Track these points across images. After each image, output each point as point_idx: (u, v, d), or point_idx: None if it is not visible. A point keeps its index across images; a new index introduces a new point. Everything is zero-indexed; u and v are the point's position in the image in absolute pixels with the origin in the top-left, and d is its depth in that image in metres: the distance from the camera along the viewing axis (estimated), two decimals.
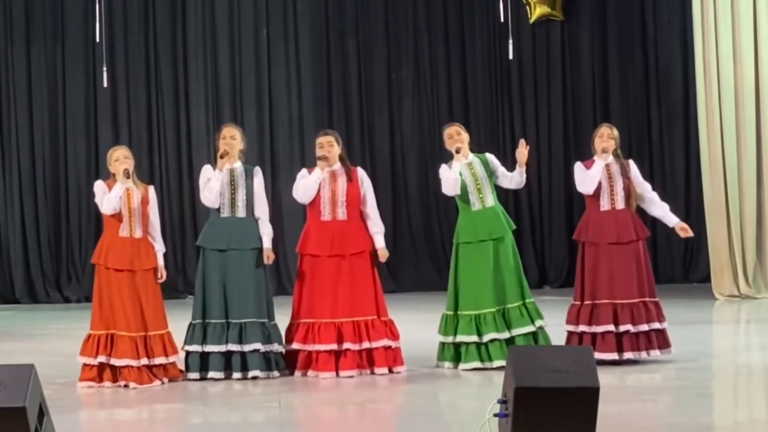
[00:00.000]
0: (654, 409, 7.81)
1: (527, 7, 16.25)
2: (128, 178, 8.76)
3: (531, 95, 16.54)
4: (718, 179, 14.17)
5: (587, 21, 16.50)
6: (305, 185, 9.11)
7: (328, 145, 9.18)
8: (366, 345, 9.01)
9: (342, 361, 8.99)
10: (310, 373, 9.00)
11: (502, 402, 6.07)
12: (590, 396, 5.94)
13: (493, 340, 9.13)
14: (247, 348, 8.93)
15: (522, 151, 9.29)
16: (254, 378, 8.89)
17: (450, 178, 9.26)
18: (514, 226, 9.49)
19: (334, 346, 8.96)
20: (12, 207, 15.81)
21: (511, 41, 13.42)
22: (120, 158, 8.82)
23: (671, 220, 9.55)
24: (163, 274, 8.96)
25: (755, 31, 14.17)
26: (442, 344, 9.32)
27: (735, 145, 14.16)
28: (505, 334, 9.15)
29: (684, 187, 16.30)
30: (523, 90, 16.55)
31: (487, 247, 9.27)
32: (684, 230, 9.53)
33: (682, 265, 16.35)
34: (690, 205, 16.15)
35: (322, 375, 8.92)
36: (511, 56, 13.57)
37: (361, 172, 9.30)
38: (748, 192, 14.16)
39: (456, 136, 9.42)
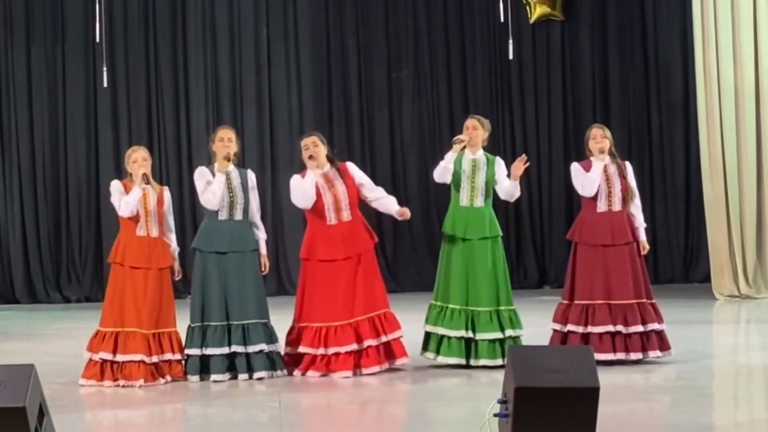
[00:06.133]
0: (654, 409, 7.82)
1: (527, 7, 16.26)
2: (147, 183, 8.87)
3: (531, 95, 16.54)
4: (718, 179, 14.17)
5: (587, 21, 16.51)
6: (303, 191, 9.10)
7: (313, 146, 9.18)
8: (384, 338, 9.05)
9: (364, 359, 8.99)
10: (311, 372, 8.99)
11: (502, 402, 6.07)
12: (590, 396, 5.94)
13: (452, 337, 9.18)
14: (252, 349, 8.94)
15: (518, 165, 9.26)
16: (260, 379, 8.91)
17: (440, 166, 9.33)
18: (500, 233, 9.41)
19: (354, 347, 8.96)
20: (12, 207, 15.80)
21: (511, 41, 13.43)
22: (138, 160, 8.93)
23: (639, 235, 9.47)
24: (179, 271, 9.10)
25: (755, 31, 14.17)
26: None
27: (735, 145, 14.17)
28: (465, 334, 9.17)
29: (684, 187, 16.31)
30: (523, 90, 16.55)
31: (462, 244, 9.29)
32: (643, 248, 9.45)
33: (682, 265, 16.36)
34: (690, 205, 16.18)
35: (340, 374, 8.90)
36: (511, 56, 13.58)
37: (350, 167, 9.32)
38: (748, 192, 14.16)
39: (470, 129, 9.42)
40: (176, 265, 9.10)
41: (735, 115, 14.15)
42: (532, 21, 16.31)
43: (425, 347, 9.36)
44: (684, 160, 16.34)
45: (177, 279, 9.11)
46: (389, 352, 9.11)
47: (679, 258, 16.36)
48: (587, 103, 16.47)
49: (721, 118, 14.17)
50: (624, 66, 16.43)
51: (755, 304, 13.64)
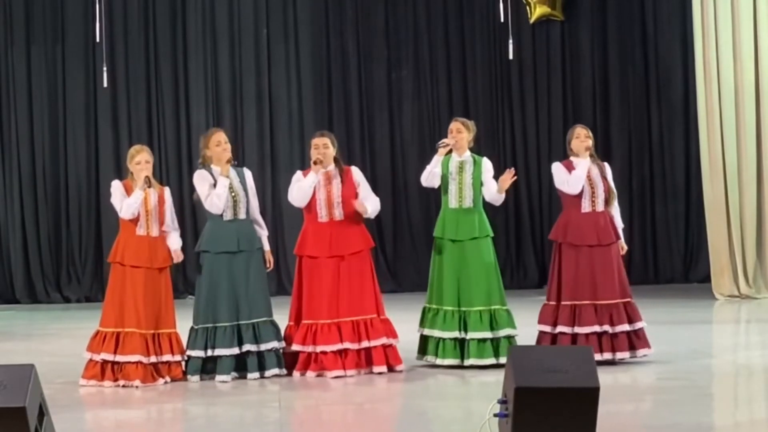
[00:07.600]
0: (654, 409, 7.82)
1: (527, 7, 16.25)
2: (149, 186, 8.87)
3: (531, 95, 16.54)
4: (718, 179, 14.16)
5: (587, 21, 16.50)
6: (299, 189, 9.14)
7: (324, 147, 9.18)
8: (365, 344, 9.04)
9: (343, 360, 9.00)
10: (309, 373, 8.99)
11: (502, 402, 6.08)
12: (590, 396, 5.94)
13: (446, 339, 9.18)
14: (264, 347, 8.97)
15: (506, 178, 9.26)
16: (271, 377, 8.91)
17: (427, 170, 9.36)
18: (490, 233, 9.41)
19: (339, 346, 8.97)
20: (12, 207, 15.80)
21: (511, 41, 13.41)
22: (142, 162, 8.93)
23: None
24: (179, 256, 9.05)
25: (755, 31, 14.16)
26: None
27: (735, 145, 14.16)
28: (458, 335, 9.16)
29: (684, 187, 16.30)
30: (523, 90, 16.54)
31: (452, 246, 9.29)
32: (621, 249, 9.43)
33: (682, 265, 16.35)
34: (690, 205, 16.17)
35: (330, 374, 8.91)
36: (511, 56, 13.56)
37: (354, 171, 9.33)
38: (748, 192, 14.15)
39: (454, 132, 9.43)
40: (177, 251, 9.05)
41: (735, 115, 14.14)
42: (532, 21, 16.30)
43: (423, 351, 9.36)
44: (684, 161, 16.33)
45: (177, 261, 9.07)
46: (368, 358, 9.08)
47: (679, 258, 16.35)
48: (587, 103, 16.46)
49: (721, 118, 14.16)
50: (624, 66, 16.43)
51: (755, 304, 13.64)
